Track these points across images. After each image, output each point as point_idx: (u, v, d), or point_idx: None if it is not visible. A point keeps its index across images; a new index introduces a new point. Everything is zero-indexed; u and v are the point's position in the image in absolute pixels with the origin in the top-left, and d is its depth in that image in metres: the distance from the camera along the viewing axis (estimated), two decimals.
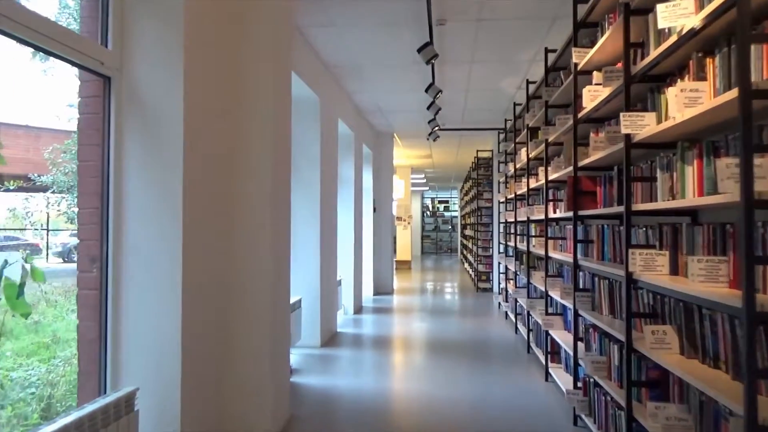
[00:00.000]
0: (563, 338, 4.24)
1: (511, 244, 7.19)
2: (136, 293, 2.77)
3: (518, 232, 6.76)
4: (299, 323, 5.56)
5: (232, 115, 3.39)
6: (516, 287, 6.60)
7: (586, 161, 3.51)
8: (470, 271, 13.54)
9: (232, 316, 3.35)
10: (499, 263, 8.49)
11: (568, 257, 4.09)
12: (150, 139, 2.79)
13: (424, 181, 19.65)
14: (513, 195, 6.93)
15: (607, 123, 3.48)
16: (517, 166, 6.68)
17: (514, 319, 6.93)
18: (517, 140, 6.85)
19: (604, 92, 3.19)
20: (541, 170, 5.11)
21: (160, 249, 2.77)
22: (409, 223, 16.37)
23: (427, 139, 10.35)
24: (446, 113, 8.49)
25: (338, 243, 7.44)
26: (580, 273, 3.82)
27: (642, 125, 2.57)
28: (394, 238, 16.64)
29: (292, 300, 5.40)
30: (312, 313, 5.91)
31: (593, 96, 3.34)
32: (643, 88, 2.78)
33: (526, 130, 5.91)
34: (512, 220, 7.09)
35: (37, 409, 3.27)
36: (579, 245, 3.80)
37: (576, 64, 3.70)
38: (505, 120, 8.53)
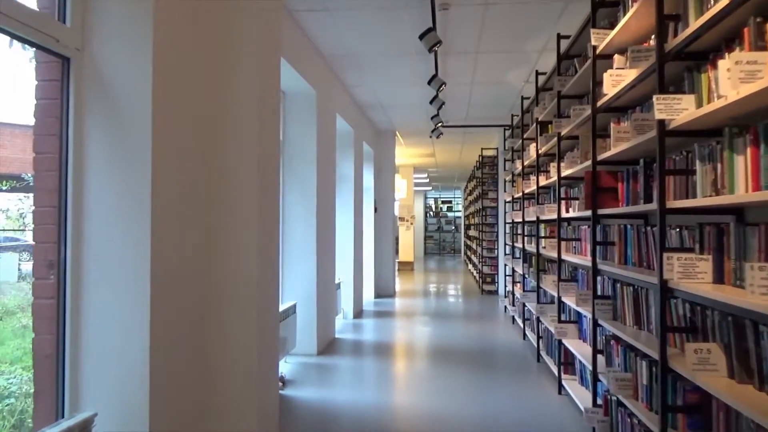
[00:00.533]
0: (579, 349, 3.88)
1: (519, 245, 6.83)
2: (99, 303, 2.42)
3: (526, 233, 6.40)
4: (294, 330, 5.22)
5: (211, 103, 3.04)
6: (524, 291, 6.24)
7: (606, 155, 3.16)
8: (474, 273, 13.18)
9: (211, 327, 3.00)
10: (505, 265, 8.13)
11: (583, 260, 3.74)
12: (115, 129, 2.42)
13: (427, 180, 19.29)
14: (521, 194, 6.58)
15: (632, 111, 3.12)
16: (526, 163, 6.33)
17: (521, 325, 6.57)
18: (525, 136, 6.50)
19: (629, 76, 2.84)
20: (552, 167, 4.76)
21: (126, 253, 2.42)
22: (411, 223, 16.01)
23: (430, 136, 10.00)
24: (450, 109, 8.14)
25: (337, 244, 7.11)
26: (599, 278, 3.47)
27: (679, 109, 2.21)
28: (396, 239, 16.30)
29: (286, 305, 5.06)
30: (308, 318, 5.56)
31: (616, 81, 2.99)
32: (677, 68, 2.43)
33: (535, 124, 5.56)
34: (520, 220, 6.73)
35: (6, 426, 2.96)
36: (597, 248, 3.44)
37: (595, 47, 3.34)
38: (512, 116, 8.18)
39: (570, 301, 4.00)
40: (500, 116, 8.63)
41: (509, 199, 7.81)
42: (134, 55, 2.46)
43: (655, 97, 2.24)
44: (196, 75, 2.90)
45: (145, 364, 2.41)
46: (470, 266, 15.04)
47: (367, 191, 9.39)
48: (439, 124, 8.07)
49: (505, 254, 8.12)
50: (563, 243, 4.47)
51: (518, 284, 7.10)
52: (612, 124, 3.14)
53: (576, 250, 4.24)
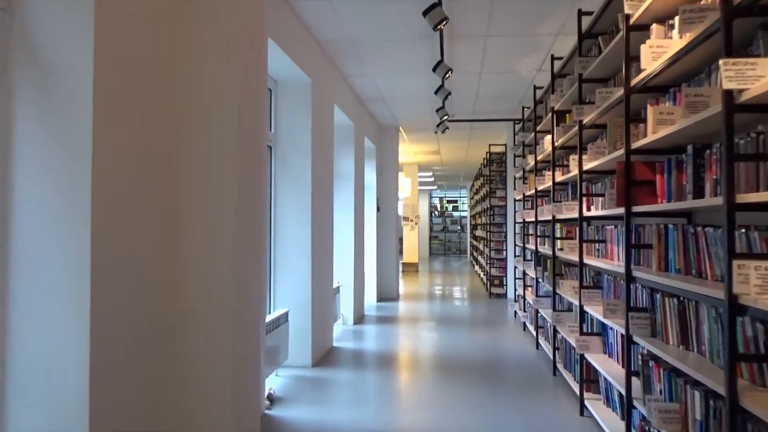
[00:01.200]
0: (605, 366, 3.40)
1: (531, 246, 6.35)
2: (27, 320, 1.98)
3: (539, 234, 5.92)
4: (286, 340, 4.75)
5: (176, 80, 2.58)
6: (537, 296, 5.76)
7: (642, 142, 2.68)
8: (481, 275, 12.70)
9: (175, 340, 2.53)
10: (515, 268, 7.65)
11: (610, 265, 3.26)
12: (48, 102, 2.01)
13: (432, 179, 18.80)
14: (533, 191, 6.10)
15: (675, 90, 2.64)
16: (539, 157, 5.84)
17: (534, 332, 6.09)
18: (538, 128, 6.01)
19: (674, 46, 2.36)
20: (571, 160, 4.28)
21: (61, 253, 1.98)
22: (416, 223, 15.53)
23: (435, 132, 9.52)
24: (456, 102, 7.66)
25: (336, 245, 6.64)
26: (631, 286, 2.99)
27: (753, 77, 1.73)
28: (400, 239, 15.87)
29: (277, 313, 4.60)
30: (302, 327, 5.09)
31: (657, 53, 2.51)
32: (745, 27, 1.95)
33: (551, 114, 5.07)
34: (532, 219, 6.25)
35: None
36: (631, 251, 2.96)
37: (628, 17, 2.86)
38: (523, 108, 7.69)
39: (595, 311, 3.52)
40: (510, 109, 8.15)
41: (519, 197, 7.33)
42: (73, 17, 2.01)
43: (722, 62, 1.76)
44: (154, 45, 2.44)
45: (83, 395, 1.95)
46: (477, 267, 14.55)
47: (369, 189, 8.93)
48: (445, 118, 7.58)
49: (515, 256, 7.64)
50: (584, 245, 3.98)
51: (530, 288, 6.62)
52: (649, 106, 2.66)
53: (600, 253, 3.76)
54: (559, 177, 4.84)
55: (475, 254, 15.67)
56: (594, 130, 3.91)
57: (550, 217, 5.06)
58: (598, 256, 3.76)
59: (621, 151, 2.94)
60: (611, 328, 3.48)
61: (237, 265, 2.64)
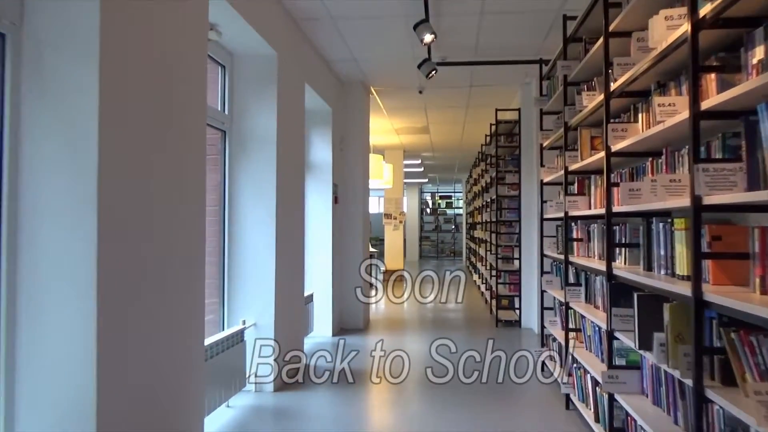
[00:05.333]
0: None
1: (580, 260, 3.54)
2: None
3: (594, 238, 3.15)
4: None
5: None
6: (609, 365, 2.97)
7: None
8: (482, 288, 9.88)
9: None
10: (543, 292, 4.82)
11: None
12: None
13: (422, 170, 15.93)
14: (578, 166, 3.34)
15: None
16: (590, 105, 3.06)
17: (592, 418, 3.30)
18: (584, 61, 3.19)
19: None
20: (663, 103, 1.50)
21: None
22: (401, 221, 12.68)
23: (420, 91, 6.75)
24: (450, 42, 4.91)
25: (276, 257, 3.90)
26: None
27: None
28: (379, 241, 13.08)
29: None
30: None
31: None
32: None
33: (604, 39, 2.29)
34: (585, 212, 3.48)
35: None
36: None
37: None
38: (540, 63, 4.95)
39: None
40: (525, 50, 5.34)
41: (550, 178, 4.53)
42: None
43: None
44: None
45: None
46: (475, 276, 11.73)
47: (320, 171, 6.11)
48: (433, 71, 4.86)
49: (542, 272, 4.81)
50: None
51: (578, 337, 3.83)
52: None
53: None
54: (629, 140, 2.06)
55: (473, 259, 12.84)
56: None
57: (630, 208, 2.29)
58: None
59: None
60: None
61: None
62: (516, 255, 7.05)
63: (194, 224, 2.69)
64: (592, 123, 3.49)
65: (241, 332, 3.91)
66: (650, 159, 2.64)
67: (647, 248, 2.60)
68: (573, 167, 3.69)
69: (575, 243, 3.87)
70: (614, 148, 2.80)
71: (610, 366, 2.91)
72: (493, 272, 7.60)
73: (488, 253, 8.66)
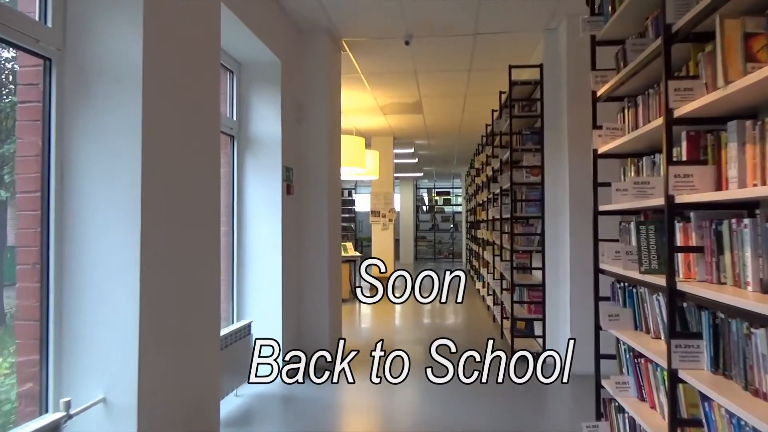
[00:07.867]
0: None
1: (698, 289, 1.75)
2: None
3: (736, 246, 1.36)
4: None
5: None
6: None
7: None
8: (488, 300, 8.08)
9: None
10: (599, 329, 2.97)
11: None
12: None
13: (416, 160, 14.11)
14: (702, 103, 1.54)
15: None
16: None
17: None
18: None
19: None
20: None
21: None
22: (390, 220, 10.88)
23: (407, 42, 4.97)
24: None
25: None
26: None
27: None
28: (366, 241, 11.32)
29: None
30: None
31: None
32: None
33: None
34: (698, 197, 1.69)
35: None
36: None
37: None
38: None
39: None
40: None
41: (616, 145, 2.73)
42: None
43: None
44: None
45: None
46: (478, 284, 9.94)
47: (265, 149, 4.31)
48: None
49: (598, 297, 2.99)
50: None
51: (661, 410, 2.04)
52: None
53: None
54: None
55: (475, 263, 11.04)
56: None
57: None
58: None
59: None
60: None
61: None
62: (537, 263, 5.26)
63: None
64: (747, 8, 1.71)
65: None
66: None
67: None
68: (687, 110, 1.90)
69: (680, 255, 2.09)
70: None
71: None
72: (505, 284, 5.79)
73: (497, 258, 6.86)
